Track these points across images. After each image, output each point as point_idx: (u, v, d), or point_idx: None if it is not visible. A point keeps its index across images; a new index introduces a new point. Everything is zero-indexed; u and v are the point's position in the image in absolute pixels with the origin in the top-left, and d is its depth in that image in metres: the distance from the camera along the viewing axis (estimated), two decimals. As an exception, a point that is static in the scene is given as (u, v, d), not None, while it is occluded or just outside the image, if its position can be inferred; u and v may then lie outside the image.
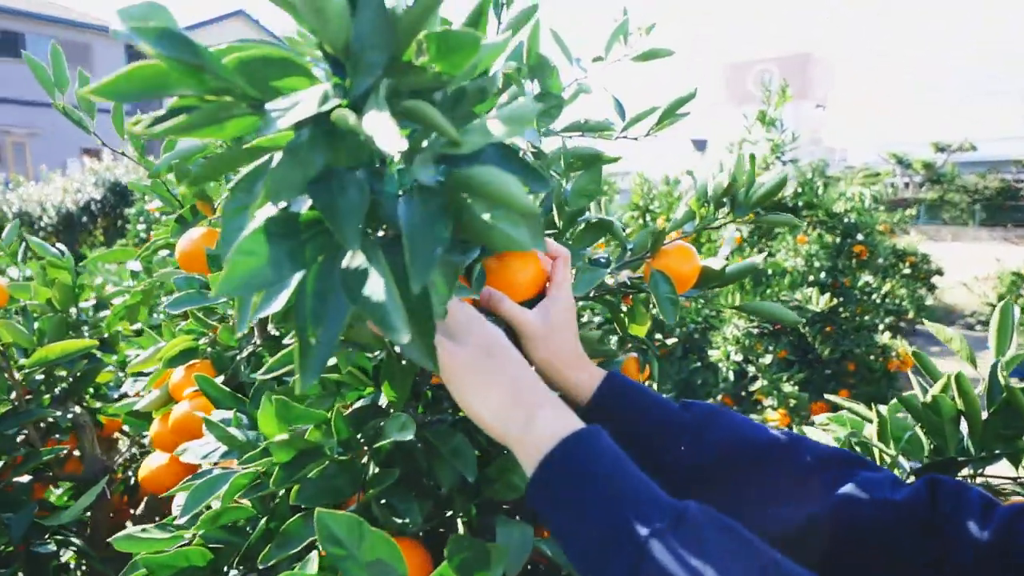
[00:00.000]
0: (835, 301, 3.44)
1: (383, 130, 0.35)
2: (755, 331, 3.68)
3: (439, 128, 0.39)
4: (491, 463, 0.73)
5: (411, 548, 0.68)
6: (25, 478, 1.23)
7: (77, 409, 1.31)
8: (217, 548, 0.75)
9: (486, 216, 0.44)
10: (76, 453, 1.36)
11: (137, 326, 1.43)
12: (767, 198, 0.85)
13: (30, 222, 7.79)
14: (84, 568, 1.23)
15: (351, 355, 0.62)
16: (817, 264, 3.94)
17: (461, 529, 0.72)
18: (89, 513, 1.28)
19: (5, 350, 1.20)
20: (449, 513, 0.74)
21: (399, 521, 0.68)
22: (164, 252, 1.27)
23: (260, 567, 0.68)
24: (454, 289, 0.48)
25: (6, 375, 1.19)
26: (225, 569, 0.75)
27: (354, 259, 0.42)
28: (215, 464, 0.81)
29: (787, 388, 3.22)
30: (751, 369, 3.58)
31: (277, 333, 1.04)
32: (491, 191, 0.42)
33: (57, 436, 1.35)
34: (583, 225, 0.97)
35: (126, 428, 1.40)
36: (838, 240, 3.95)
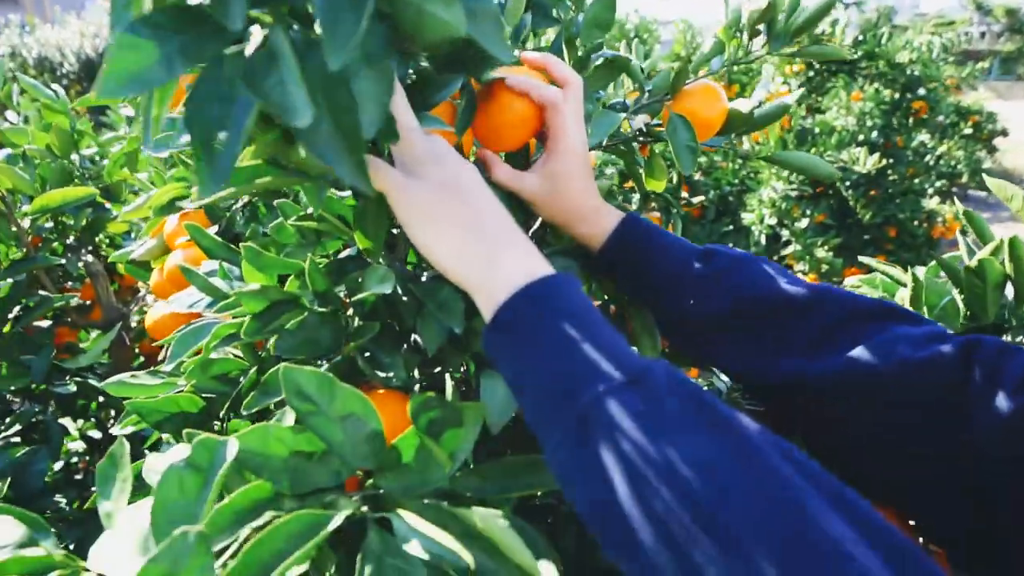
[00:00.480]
0: (884, 162, 3.23)
1: None
2: (793, 194, 3.51)
3: None
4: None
5: (398, 400, 0.66)
6: (45, 324, 1.26)
7: (89, 258, 1.31)
8: (209, 398, 0.75)
9: None
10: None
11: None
12: (811, 24, 0.72)
13: (51, 68, 7.63)
14: (108, 408, 1.29)
15: (321, 193, 0.56)
16: (870, 123, 3.66)
17: (449, 387, 0.69)
18: (110, 358, 1.32)
19: (6, 197, 1.17)
20: (438, 369, 0.71)
21: (383, 375, 0.65)
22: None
23: (245, 414, 0.68)
24: (389, 99, 0.41)
25: (10, 223, 1.18)
26: (217, 416, 0.75)
27: (257, 50, 0.35)
28: (210, 314, 0.79)
29: (820, 253, 3.12)
30: (785, 233, 3.46)
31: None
32: None
33: (70, 284, 1.36)
34: (597, 64, 0.86)
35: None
36: (896, 96, 3.63)
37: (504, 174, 0.68)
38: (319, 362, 0.68)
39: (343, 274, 0.66)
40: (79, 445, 1.38)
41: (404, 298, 0.68)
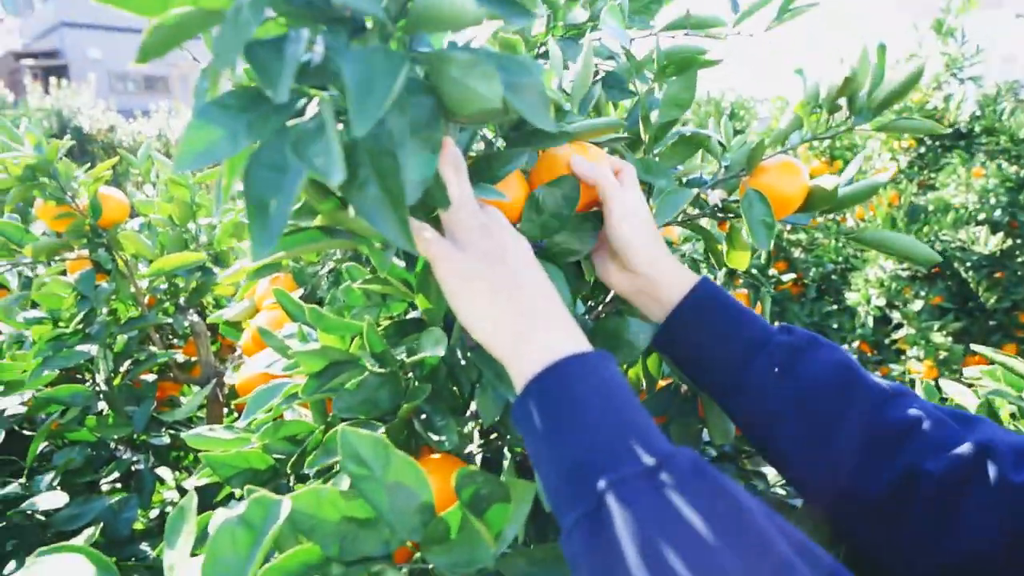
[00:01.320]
0: (1010, 242, 2.97)
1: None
2: (904, 274, 3.29)
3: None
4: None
5: (450, 463, 0.66)
6: (150, 377, 1.36)
7: (194, 318, 1.41)
8: (278, 456, 0.77)
9: (454, 72, 0.38)
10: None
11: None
12: (897, 98, 0.69)
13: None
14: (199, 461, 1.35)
15: (386, 256, 0.58)
16: (993, 200, 3.40)
17: (507, 461, 0.68)
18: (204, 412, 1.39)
19: (129, 260, 1.30)
20: (495, 436, 0.70)
21: (437, 439, 0.65)
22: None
23: (308, 472, 0.69)
24: (435, 166, 0.42)
25: (130, 284, 1.29)
26: (283, 475, 0.77)
27: (307, 123, 0.38)
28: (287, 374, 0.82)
29: (938, 338, 2.87)
30: (896, 316, 3.22)
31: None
32: (439, 12, 0.36)
33: (176, 341, 1.47)
34: (673, 140, 0.86)
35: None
36: (1022, 172, 3.38)
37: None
38: (378, 423, 0.68)
39: (403, 336, 0.67)
40: (174, 495, 1.45)
41: (463, 363, 0.68)
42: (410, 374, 0.68)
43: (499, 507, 0.51)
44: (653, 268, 0.67)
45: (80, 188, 1.25)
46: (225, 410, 1.38)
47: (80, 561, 0.56)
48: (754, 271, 1.16)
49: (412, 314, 0.73)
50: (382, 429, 0.67)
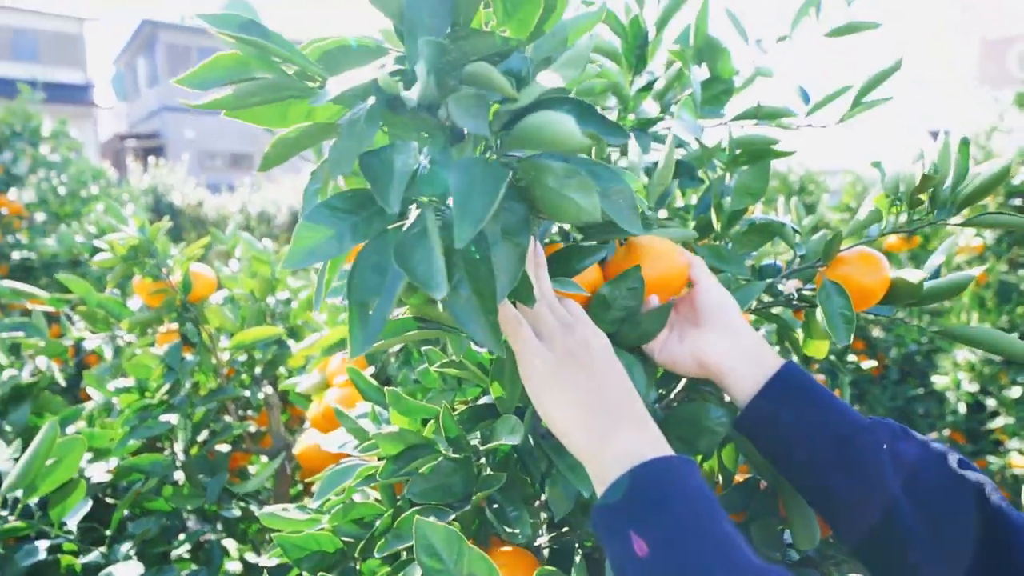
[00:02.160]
0: (1114, 325, 2.75)
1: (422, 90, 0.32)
2: (997, 357, 3.08)
3: (496, 86, 0.36)
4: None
5: (524, 560, 0.64)
6: (225, 448, 1.40)
7: (269, 390, 1.46)
8: (347, 540, 0.77)
9: (551, 182, 0.39)
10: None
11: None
12: (984, 194, 0.67)
13: (268, 220, 9.08)
14: (264, 532, 1.37)
15: (464, 342, 0.59)
16: (1090, 279, 3.19)
17: (578, 557, 0.66)
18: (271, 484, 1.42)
19: (213, 333, 1.37)
20: (565, 529, 0.68)
21: (509, 530, 0.64)
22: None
23: (377, 556, 0.69)
24: (522, 268, 0.44)
25: (212, 356, 1.36)
26: (353, 557, 0.77)
27: (410, 228, 0.40)
28: (356, 454, 0.83)
29: (1039, 428, 2.65)
30: (991, 403, 3.00)
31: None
32: (543, 135, 0.38)
33: (250, 412, 1.51)
34: (747, 228, 0.86)
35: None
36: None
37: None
38: (448, 510, 0.68)
39: (477, 421, 0.67)
40: (236, 566, 1.46)
41: (534, 454, 0.67)
42: (482, 460, 0.68)
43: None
44: (739, 338, 0.65)
45: (174, 265, 1.34)
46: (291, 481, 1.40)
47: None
48: (832, 356, 1.11)
49: (484, 399, 0.74)
50: (452, 516, 0.66)
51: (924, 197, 0.74)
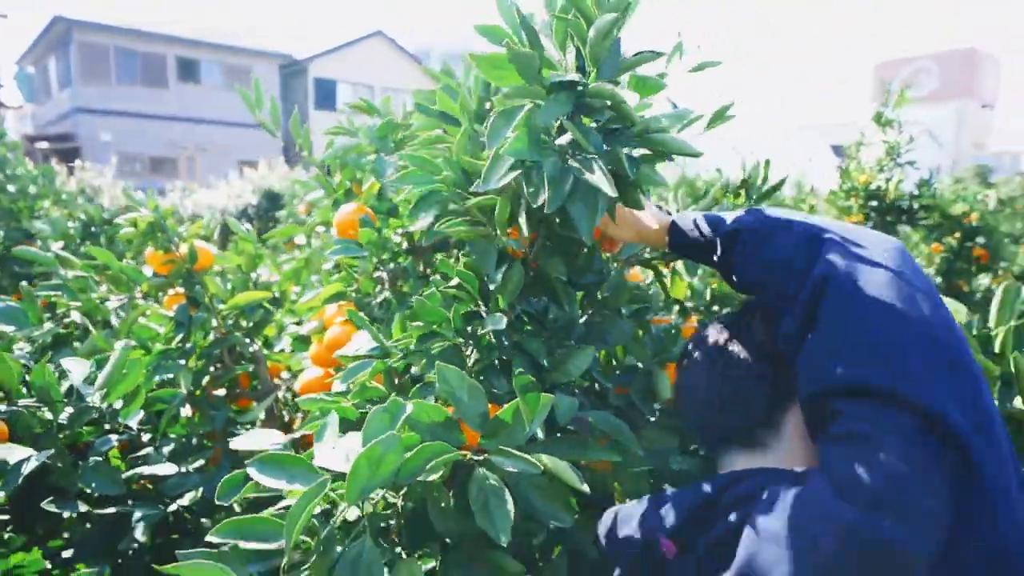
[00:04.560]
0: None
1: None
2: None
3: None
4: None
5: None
6: (222, 392, 1.68)
7: (255, 346, 1.75)
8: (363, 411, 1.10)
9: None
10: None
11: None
12: (773, 191, 1.12)
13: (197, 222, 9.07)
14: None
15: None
16: (932, 269, 3.84)
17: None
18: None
19: (212, 297, 1.65)
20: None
21: (496, 392, 0.99)
22: (320, 228, 1.68)
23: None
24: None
25: (213, 316, 1.64)
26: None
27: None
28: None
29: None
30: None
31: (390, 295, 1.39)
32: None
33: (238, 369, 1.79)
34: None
35: (284, 375, 1.84)
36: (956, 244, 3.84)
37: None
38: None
39: (469, 321, 1.02)
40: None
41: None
42: (472, 351, 1.03)
43: (532, 401, 0.84)
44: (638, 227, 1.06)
45: (180, 241, 1.62)
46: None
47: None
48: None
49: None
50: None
51: (743, 191, 1.16)
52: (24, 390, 1.18)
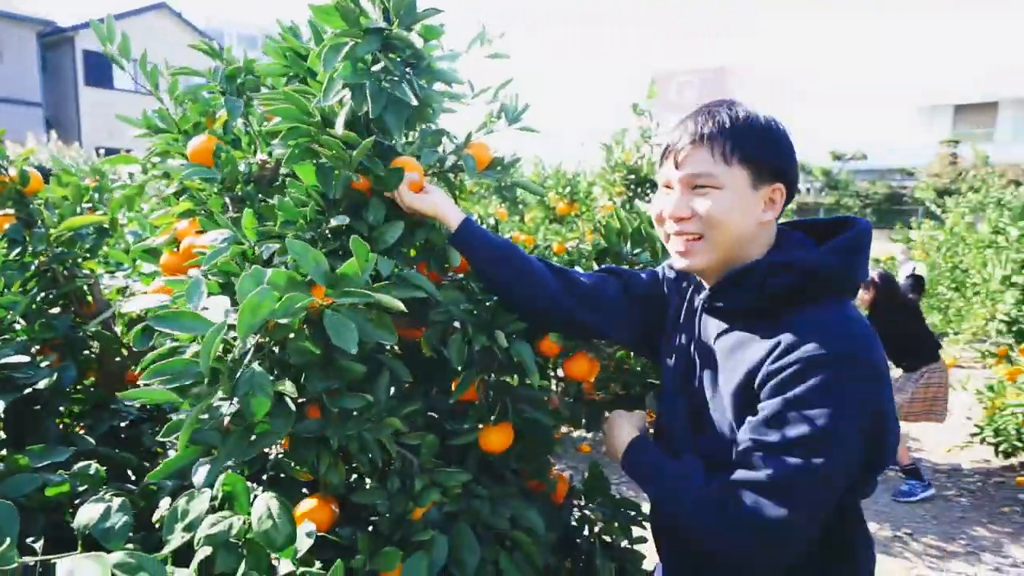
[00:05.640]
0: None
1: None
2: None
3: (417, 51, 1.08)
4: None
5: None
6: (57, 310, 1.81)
7: (88, 270, 1.89)
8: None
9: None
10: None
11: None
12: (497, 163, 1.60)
13: None
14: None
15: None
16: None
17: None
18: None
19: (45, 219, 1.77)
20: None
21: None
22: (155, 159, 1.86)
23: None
24: None
25: (47, 236, 1.76)
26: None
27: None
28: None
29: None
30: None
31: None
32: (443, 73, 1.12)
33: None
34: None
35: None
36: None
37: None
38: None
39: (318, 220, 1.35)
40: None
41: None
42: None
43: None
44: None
45: (9, 164, 1.72)
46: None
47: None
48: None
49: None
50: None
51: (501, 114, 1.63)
52: None
